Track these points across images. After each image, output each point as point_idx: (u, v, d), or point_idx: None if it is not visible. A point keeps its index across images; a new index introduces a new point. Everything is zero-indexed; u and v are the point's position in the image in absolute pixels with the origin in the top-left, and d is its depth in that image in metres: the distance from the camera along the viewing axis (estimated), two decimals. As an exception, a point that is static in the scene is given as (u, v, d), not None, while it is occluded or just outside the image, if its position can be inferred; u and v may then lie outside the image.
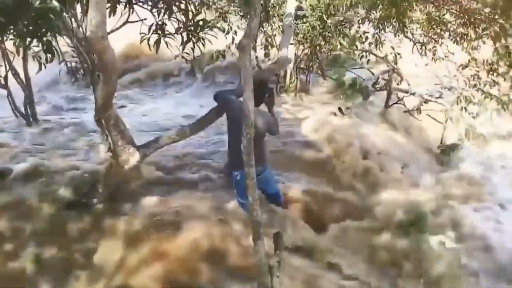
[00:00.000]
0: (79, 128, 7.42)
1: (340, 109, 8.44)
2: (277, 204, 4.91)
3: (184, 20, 4.95)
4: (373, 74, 9.43)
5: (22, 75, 7.29)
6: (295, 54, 9.29)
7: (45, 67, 6.45)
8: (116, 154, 4.52)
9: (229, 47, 8.09)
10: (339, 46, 8.83)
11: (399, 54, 8.87)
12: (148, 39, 4.90)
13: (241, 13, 8.56)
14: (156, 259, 4.08)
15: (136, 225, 4.52)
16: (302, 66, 10.02)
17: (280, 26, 8.19)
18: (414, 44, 8.78)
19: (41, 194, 4.87)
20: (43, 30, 4.38)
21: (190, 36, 4.99)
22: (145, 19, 5.12)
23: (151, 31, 4.92)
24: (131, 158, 4.56)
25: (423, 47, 8.56)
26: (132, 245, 4.27)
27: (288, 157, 6.25)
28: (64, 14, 4.57)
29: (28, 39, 4.92)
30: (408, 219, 5.36)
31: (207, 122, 4.89)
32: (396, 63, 8.76)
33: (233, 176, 4.51)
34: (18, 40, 5.47)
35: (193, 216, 4.67)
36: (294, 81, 9.89)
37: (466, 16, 6.89)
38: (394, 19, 7.05)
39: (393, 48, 8.79)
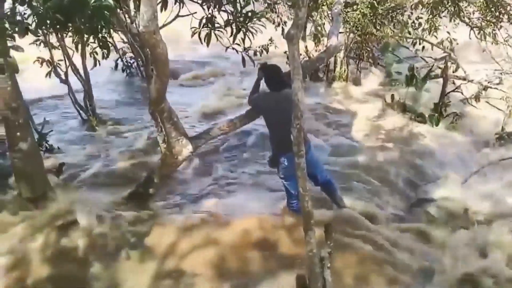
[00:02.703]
0: (138, 122, 7.71)
1: (392, 96, 8.23)
2: (334, 195, 4.87)
3: (233, 11, 5.00)
4: (426, 62, 9.11)
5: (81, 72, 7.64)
6: (345, 42, 9.14)
7: (100, 64, 6.74)
8: (170, 145, 4.66)
9: (271, 41, 8.03)
10: (390, 34, 8.58)
11: (455, 40, 8.52)
12: (199, 33, 4.99)
13: (289, 3, 8.49)
14: (207, 247, 4.19)
15: (190, 216, 4.68)
16: (352, 55, 9.84)
17: (329, 15, 8.05)
18: (471, 28, 8.40)
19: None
20: (99, 26, 4.57)
21: (240, 27, 5.03)
22: (195, 12, 5.21)
23: (202, 24, 5.01)
24: (184, 149, 4.68)
25: (481, 32, 8.17)
26: (185, 233, 4.40)
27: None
28: (118, 10, 4.73)
29: (85, 36, 5.16)
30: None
31: (253, 117, 4.95)
32: (452, 49, 8.40)
33: (280, 164, 4.54)
34: (76, 37, 5.76)
35: (246, 209, 4.80)
36: (344, 70, 9.75)
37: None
38: (449, 3, 6.75)
39: (448, 33, 8.45)
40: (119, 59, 10.44)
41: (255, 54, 5.97)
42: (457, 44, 8.50)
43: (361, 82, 9.83)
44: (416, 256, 4.26)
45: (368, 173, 5.81)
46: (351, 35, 9.14)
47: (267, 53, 7.42)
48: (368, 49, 9.73)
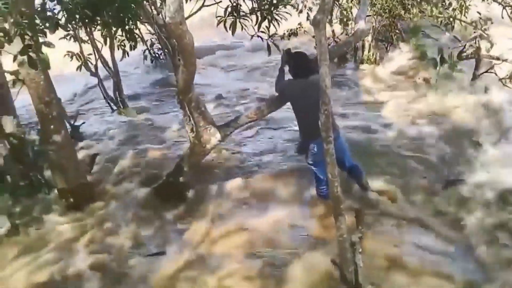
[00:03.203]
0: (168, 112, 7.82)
1: (425, 79, 8.02)
2: (360, 179, 4.84)
3: (258, -1, 4.99)
4: (459, 41, 8.82)
5: (110, 64, 7.77)
6: (372, 26, 8.97)
7: (128, 55, 6.84)
8: (198, 134, 4.71)
9: (300, 25, 7.96)
10: (420, 14, 8.35)
11: (489, 19, 8.22)
12: (225, 22, 4.99)
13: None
14: (239, 232, 4.27)
15: (222, 207, 4.77)
16: (381, 38, 9.65)
17: (356, -2, 7.93)
18: (504, 7, 8.09)
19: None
20: (126, 19, 4.65)
21: (265, 15, 5.01)
22: (220, 1, 5.21)
23: (227, 13, 5.01)
24: (213, 138, 4.72)
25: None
26: (218, 221, 4.52)
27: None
28: (144, 2, 4.78)
29: (113, 29, 5.25)
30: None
31: (280, 104, 4.93)
32: (485, 29, 8.12)
33: (309, 150, 4.53)
34: (105, 29, 5.85)
35: (276, 198, 4.84)
36: (373, 54, 9.58)
37: None
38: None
39: (479, 13, 8.16)
40: (147, 51, 10.55)
41: (282, 38, 5.96)
42: (492, 23, 8.19)
43: (390, 63, 9.60)
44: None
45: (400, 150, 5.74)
46: (379, 17, 8.95)
47: (295, 36, 7.38)
48: (397, 31, 9.50)
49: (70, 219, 4.73)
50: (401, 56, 9.47)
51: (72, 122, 6.33)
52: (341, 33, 9.58)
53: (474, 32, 8.10)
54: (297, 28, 7.58)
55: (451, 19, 8.33)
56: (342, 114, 7.03)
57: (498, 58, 7.71)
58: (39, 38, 3.59)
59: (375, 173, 5.06)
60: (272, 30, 5.30)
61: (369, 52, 9.58)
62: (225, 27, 5.01)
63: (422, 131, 6.25)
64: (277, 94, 4.85)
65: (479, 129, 6.22)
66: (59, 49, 4.59)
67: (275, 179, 5.20)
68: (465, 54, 8.06)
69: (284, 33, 7.30)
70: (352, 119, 6.88)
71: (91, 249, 4.30)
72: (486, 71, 7.56)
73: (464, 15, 8.24)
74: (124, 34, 5.13)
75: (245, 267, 3.81)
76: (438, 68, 7.79)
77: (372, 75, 9.11)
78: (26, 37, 3.47)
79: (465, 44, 8.22)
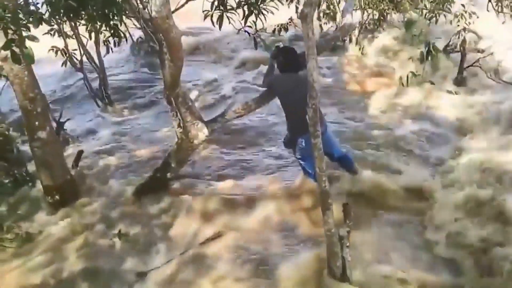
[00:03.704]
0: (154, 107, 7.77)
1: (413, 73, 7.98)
2: (350, 167, 4.87)
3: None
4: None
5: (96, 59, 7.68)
6: (360, 20, 8.98)
7: (112, 51, 6.77)
8: (185, 129, 4.68)
9: (290, 20, 7.92)
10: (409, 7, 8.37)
11: (474, 13, 8.28)
12: (212, 16, 4.94)
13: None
14: (229, 231, 4.26)
15: (210, 204, 4.74)
16: (370, 27, 9.65)
17: (343, -8, 7.90)
18: (489, 1, 8.15)
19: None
20: (111, 13, 4.58)
21: (252, 9, 4.97)
22: (207, -6, 5.16)
23: (214, 7, 4.96)
24: (200, 133, 4.70)
25: (499, 4, 7.93)
26: (207, 220, 4.50)
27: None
28: (130, -4, 4.71)
29: (98, 23, 5.17)
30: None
31: (268, 99, 4.93)
32: (468, 23, 8.19)
33: (297, 145, 4.55)
34: (89, 24, 5.77)
35: (264, 194, 4.83)
36: (359, 49, 9.57)
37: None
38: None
39: (463, 6, 8.22)
40: (135, 45, 10.44)
41: (273, 32, 5.90)
42: (477, 17, 8.26)
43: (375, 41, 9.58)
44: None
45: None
46: (367, 11, 8.97)
47: (286, 31, 7.34)
48: (385, 24, 9.52)
49: (58, 218, 4.68)
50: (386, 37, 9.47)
51: (57, 119, 6.23)
52: (329, 28, 9.55)
53: (458, 25, 8.17)
54: (287, 23, 7.54)
55: (435, 12, 8.36)
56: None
57: (483, 51, 7.79)
58: (23, 32, 3.52)
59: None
60: (260, 25, 5.26)
61: (356, 44, 9.58)
62: (212, 21, 4.96)
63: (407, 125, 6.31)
64: (265, 89, 4.85)
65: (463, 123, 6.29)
66: (43, 44, 4.52)
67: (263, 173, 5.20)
68: (450, 48, 8.13)
69: (275, 28, 7.25)
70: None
71: (81, 250, 4.27)
72: (471, 65, 7.61)
73: (447, 8, 8.27)
74: (108, 29, 5.07)
75: (237, 269, 3.83)
76: (424, 63, 7.86)
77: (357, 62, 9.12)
78: (9, 31, 3.40)
79: (450, 38, 8.29)
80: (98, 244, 4.35)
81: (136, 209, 4.79)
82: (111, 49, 6.71)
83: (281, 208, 4.54)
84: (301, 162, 4.68)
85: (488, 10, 8.40)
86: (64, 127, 6.33)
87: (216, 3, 4.97)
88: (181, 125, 4.75)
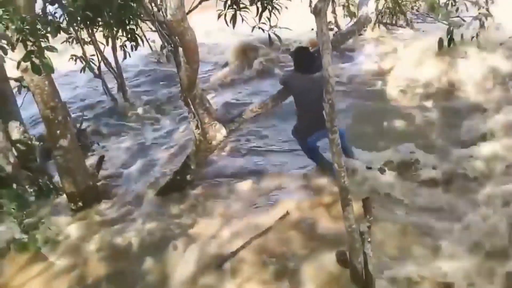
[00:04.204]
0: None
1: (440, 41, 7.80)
2: (348, 152, 4.92)
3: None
4: (464, 21, 8.66)
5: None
6: (375, 9, 8.86)
7: (130, 56, 6.85)
8: (203, 131, 4.69)
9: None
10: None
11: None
12: (225, 15, 4.95)
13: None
14: (249, 231, 4.22)
15: (231, 205, 4.73)
16: (385, 21, 9.53)
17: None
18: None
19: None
20: (127, 18, 4.64)
21: (265, 5, 4.98)
22: (219, -5, 5.16)
23: (227, 6, 4.97)
24: (218, 134, 4.71)
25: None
26: (227, 221, 4.47)
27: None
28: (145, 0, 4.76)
29: (115, 29, 5.25)
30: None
31: (284, 96, 4.94)
32: (487, 8, 7.99)
33: (309, 141, 4.77)
34: (106, 30, 5.85)
35: (284, 192, 4.82)
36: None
37: None
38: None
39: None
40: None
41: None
42: (492, 2, 8.05)
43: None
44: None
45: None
46: (382, 0, 8.86)
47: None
48: (403, 13, 9.38)
49: (79, 222, 4.71)
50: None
51: (78, 126, 6.35)
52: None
53: (479, 12, 7.97)
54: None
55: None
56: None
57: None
58: (41, 43, 3.59)
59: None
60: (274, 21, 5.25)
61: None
62: (226, 20, 4.97)
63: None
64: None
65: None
66: (61, 53, 4.59)
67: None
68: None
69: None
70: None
71: (103, 253, 4.28)
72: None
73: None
74: (125, 34, 5.14)
75: (260, 271, 3.79)
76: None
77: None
78: (29, 43, 3.47)
79: (470, 24, 8.09)
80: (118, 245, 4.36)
81: (157, 210, 4.81)
82: (129, 54, 6.82)
83: (300, 205, 4.49)
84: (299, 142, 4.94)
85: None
86: (86, 134, 6.44)
87: (229, 2, 4.98)
88: (199, 126, 4.77)
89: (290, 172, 5.20)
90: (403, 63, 7.82)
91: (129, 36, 5.13)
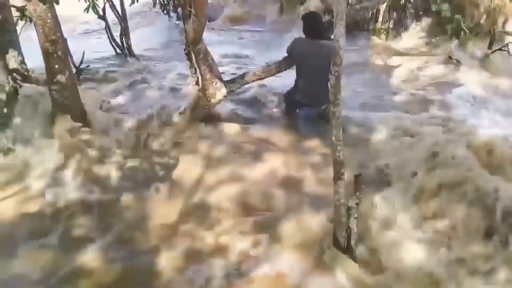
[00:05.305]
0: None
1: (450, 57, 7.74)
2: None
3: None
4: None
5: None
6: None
7: (137, 1, 6.68)
8: (203, 87, 4.65)
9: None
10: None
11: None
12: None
13: None
14: (233, 181, 4.16)
15: (217, 149, 4.61)
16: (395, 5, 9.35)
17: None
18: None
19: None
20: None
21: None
22: None
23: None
24: (218, 92, 4.67)
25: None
26: (211, 166, 4.37)
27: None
28: None
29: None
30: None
31: (288, 63, 4.91)
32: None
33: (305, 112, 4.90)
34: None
35: (272, 147, 4.71)
36: (386, 22, 9.32)
37: None
38: None
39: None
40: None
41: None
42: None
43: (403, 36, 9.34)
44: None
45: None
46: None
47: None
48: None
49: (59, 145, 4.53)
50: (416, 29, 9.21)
51: (78, 65, 6.26)
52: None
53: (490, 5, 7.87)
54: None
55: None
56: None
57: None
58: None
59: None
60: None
61: (383, 22, 9.31)
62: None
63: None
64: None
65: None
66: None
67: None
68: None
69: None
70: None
71: (80, 179, 4.17)
72: (500, 49, 7.37)
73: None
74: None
75: (240, 222, 3.74)
76: (450, 43, 7.65)
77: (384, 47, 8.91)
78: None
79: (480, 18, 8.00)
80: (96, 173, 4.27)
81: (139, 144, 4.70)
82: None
83: (287, 162, 4.41)
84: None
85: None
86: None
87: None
88: (199, 83, 4.72)
89: (280, 125, 5.13)
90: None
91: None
